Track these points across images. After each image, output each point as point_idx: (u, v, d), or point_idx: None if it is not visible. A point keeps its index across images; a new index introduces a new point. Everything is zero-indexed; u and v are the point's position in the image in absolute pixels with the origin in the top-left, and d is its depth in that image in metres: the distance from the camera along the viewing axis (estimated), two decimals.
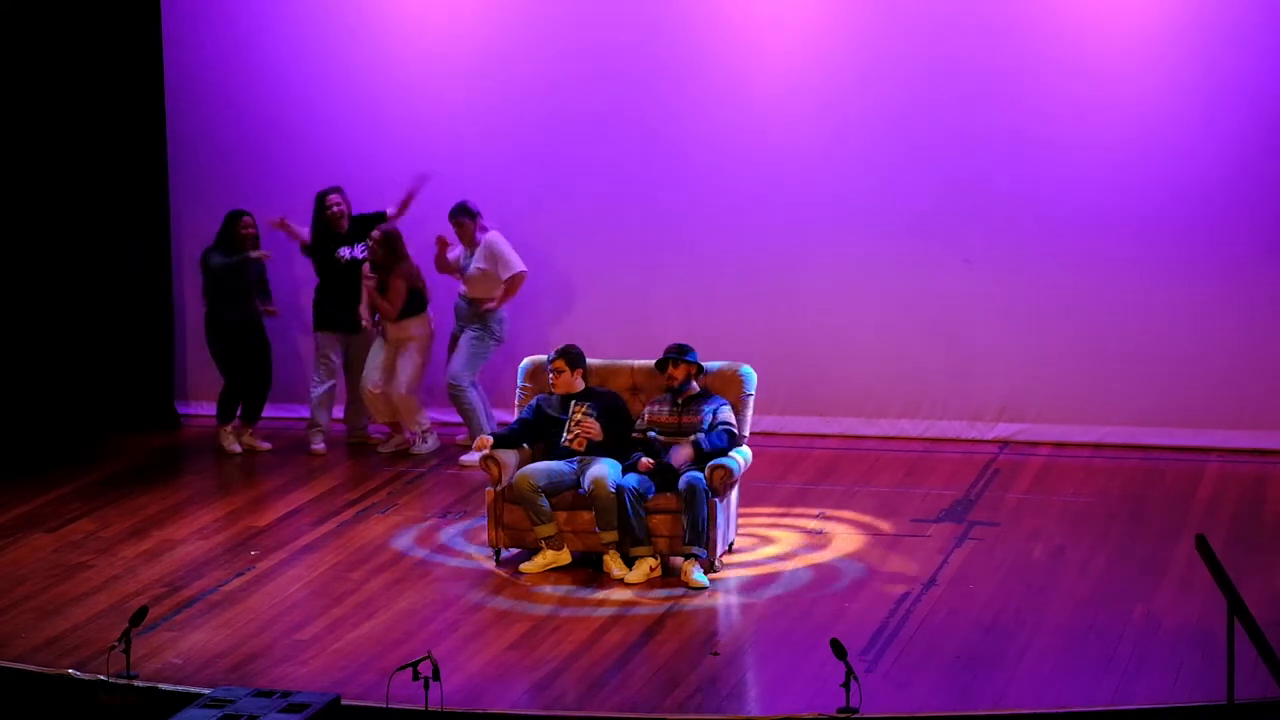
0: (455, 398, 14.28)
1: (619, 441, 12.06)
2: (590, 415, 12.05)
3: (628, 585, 11.61)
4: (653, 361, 12.30)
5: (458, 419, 14.61)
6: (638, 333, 14.52)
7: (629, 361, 12.53)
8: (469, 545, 12.42)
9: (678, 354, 12.01)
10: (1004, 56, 14.19)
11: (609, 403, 12.17)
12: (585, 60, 14.81)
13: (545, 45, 14.85)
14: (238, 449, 14.48)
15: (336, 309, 14.50)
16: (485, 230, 14.30)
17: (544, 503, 11.83)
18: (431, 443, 14.45)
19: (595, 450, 12.00)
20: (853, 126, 14.49)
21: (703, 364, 12.10)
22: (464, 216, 14.27)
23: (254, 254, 14.34)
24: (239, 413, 14.65)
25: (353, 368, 14.64)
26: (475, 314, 14.31)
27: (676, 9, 14.68)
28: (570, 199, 14.96)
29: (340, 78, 15.21)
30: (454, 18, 15.02)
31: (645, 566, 11.72)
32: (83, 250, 15.18)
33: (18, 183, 14.94)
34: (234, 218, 14.40)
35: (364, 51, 15.13)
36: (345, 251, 14.37)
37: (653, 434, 12.00)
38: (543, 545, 11.87)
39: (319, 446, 14.52)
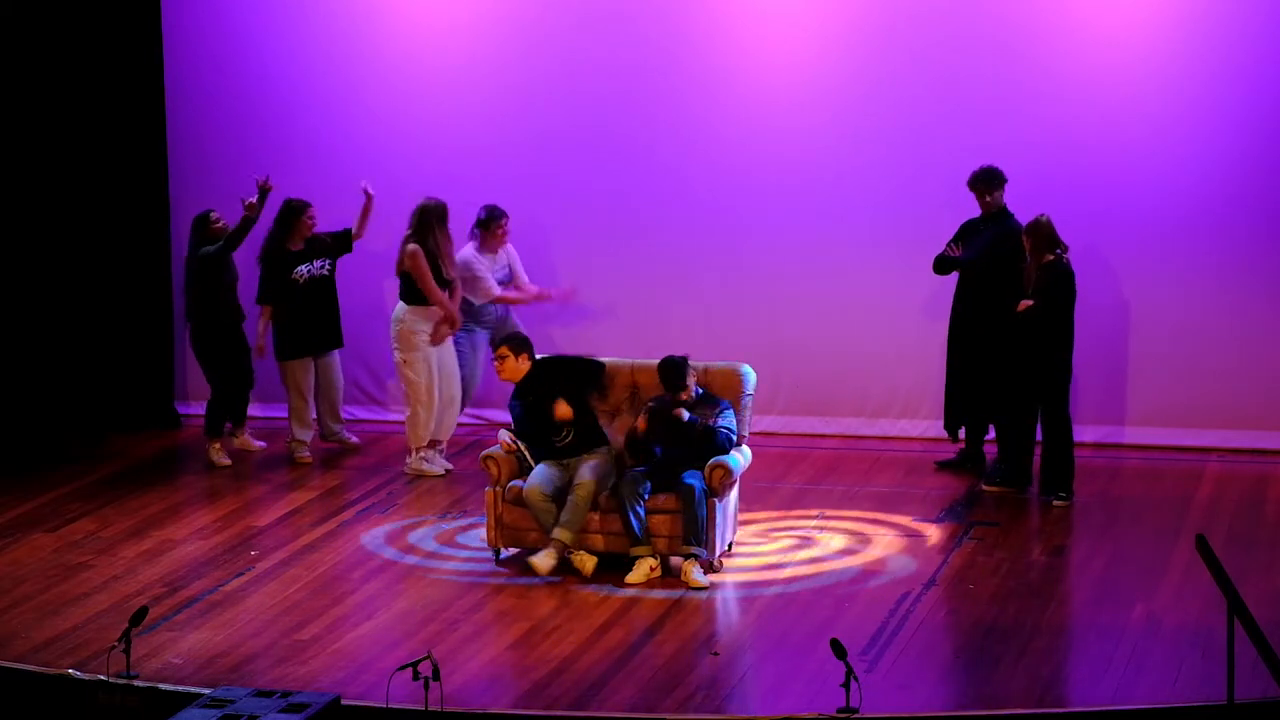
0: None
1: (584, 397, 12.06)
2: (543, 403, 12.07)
3: (628, 585, 11.61)
4: (653, 362, 12.32)
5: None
6: (639, 333, 14.52)
7: (629, 361, 12.53)
8: (469, 545, 12.42)
9: (678, 380, 11.94)
10: (1004, 65, 14.21)
11: (565, 370, 12.11)
12: (590, 66, 14.81)
13: (551, 52, 14.84)
14: (227, 462, 14.38)
15: (303, 332, 14.25)
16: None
17: (554, 507, 11.82)
18: None
19: (587, 441, 11.99)
20: (855, 131, 14.50)
21: (696, 371, 12.05)
22: (504, 218, 14.26)
23: (251, 202, 13.90)
24: (227, 425, 14.55)
25: (321, 376, 14.45)
26: (496, 317, 14.39)
27: (678, 20, 14.68)
28: (572, 201, 14.96)
29: (342, 79, 15.20)
30: (460, 21, 15.01)
31: (645, 566, 11.72)
32: (83, 250, 15.18)
33: (18, 183, 14.94)
34: (203, 218, 14.24)
35: (367, 53, 15.13)
36: (304, 269, 14.21)
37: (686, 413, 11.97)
38: (571, 552, 11.83)
39: (304, 456, 14.40)
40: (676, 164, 14.81)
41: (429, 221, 13.74)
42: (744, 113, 14.64)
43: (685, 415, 11.76)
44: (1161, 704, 9.64)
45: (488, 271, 14.26)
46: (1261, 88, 13.89)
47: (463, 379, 14.23)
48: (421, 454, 13.97)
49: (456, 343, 14.10)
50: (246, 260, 14.36)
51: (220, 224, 14.25)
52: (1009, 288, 13.00)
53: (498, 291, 14.26)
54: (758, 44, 14.60)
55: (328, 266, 14.27)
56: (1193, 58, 13.97)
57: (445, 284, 13.80)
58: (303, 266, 14.14)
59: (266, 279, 14.18)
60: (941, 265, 13.56)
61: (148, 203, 15.37)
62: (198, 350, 14.44)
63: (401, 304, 13.86)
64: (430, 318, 13.81)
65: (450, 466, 14.05)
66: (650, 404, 11.92)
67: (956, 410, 13.81)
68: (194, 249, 14.25)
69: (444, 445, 14.13)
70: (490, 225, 14.26)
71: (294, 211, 14.13)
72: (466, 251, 14.24)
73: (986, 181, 13.48)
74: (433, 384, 13.87)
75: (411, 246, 13.72)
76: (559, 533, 11.78)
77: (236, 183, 15.23)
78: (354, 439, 14.67)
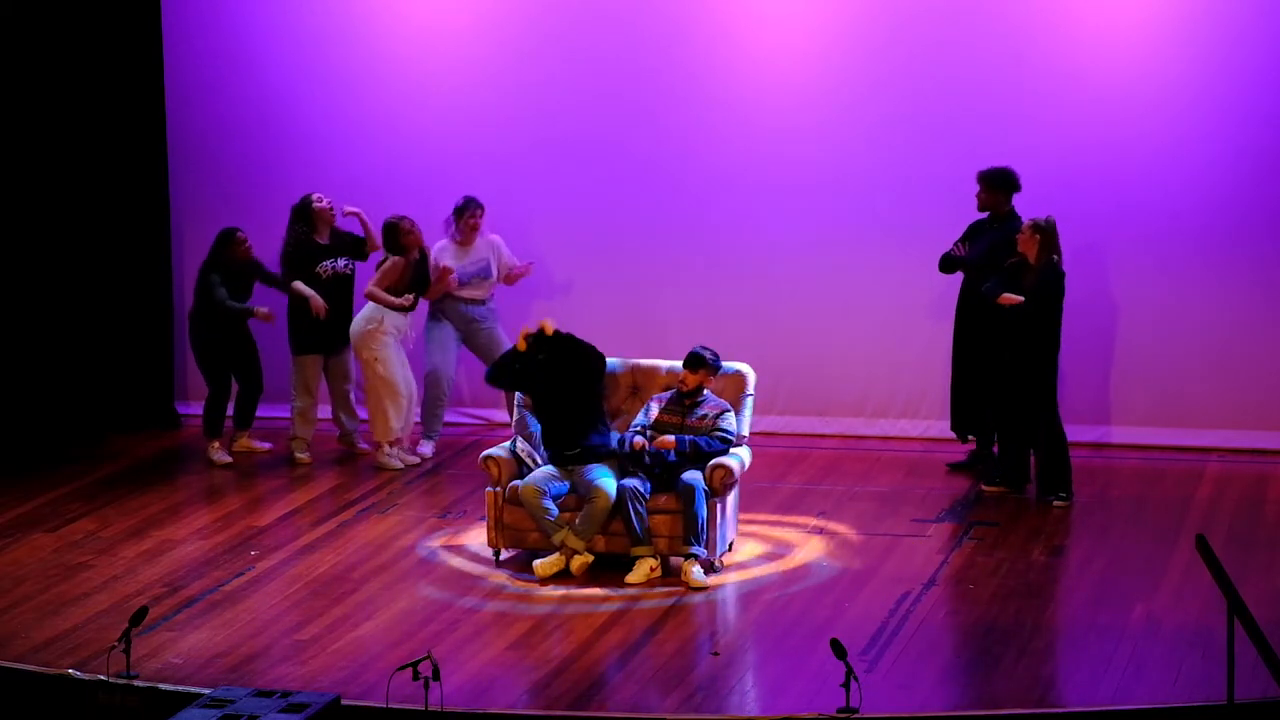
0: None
1: (582, 393, 12.02)
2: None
3: (628, 585, 11.61)
4: (653, 361, 12.37)
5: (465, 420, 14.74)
6: (639, 333, 14.52)
7: (630, 361, 12.53)
8: (469, 545, 12.43)
9: (696, 363, 11.97)
10: (1005, 65, 14.22)
11: (583, 352, 12.08)
12: (591, 65, 14.81)
13: (552, 51, 14.85)
14: (228, 459, 14.38)
15: (321, 329, 14.21)
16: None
17: (550, 505, 11.81)
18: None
19: (574, 446, 11.99)
20: (855, 131, 14.50)
21: (715, 376, 12.09)
22: (478, 209, 14.25)
23: (261, 312, 14.00)
24: (229, 422, 14.53)
25: (332, 370, 14.48)
26: (478, 313, 14.33)
27: (678, 20, 14.69)
28: (573, 200, 14.97)
29: (342, 80, 15.20)
30: (460, 20, 15.02)
31: (645, 566, 11.72)
32: (83, 251, 15.17)
33: (18, 184, 14.93)
34: (228, 236, 14.13)
35: (366, 53, 15.14)
36: (329, 265, 14.23)
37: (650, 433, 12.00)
38: (568, 554, 11.82)
39: (304, 456, 14.40)
40: (677, 164, 14.81)
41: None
42: (745, 112, 14.64)
43: (669, 453, 11.79)
44: (1161, 704, 9.64)
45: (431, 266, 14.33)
46: (1260, 87, 13.89)
47: (436, 372, 14.32)
48: (388, 450, 14.11)
49: (427, 334, 14.32)
50: (269, 257, 14.44)
51: (246, 245, 14.15)
52: (1012, 290, 12.97)
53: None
54: (759, 44, 14.60)
55: (350, 265, 14.29)
56: (1192, 58, 13.97)
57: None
58: (327, 262, 14.16)
59: (291, 270, 14.18)
60: (947, 264, 13.56)
61: (147, 203, 15.36)
62: (200, 353, 14.38)
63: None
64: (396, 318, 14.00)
65: (415, 460, 14.15)
66: (636, 439, 11.93)
67: (963, 412, 13.79)
68: (210, 266, 14.15)
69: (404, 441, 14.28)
70: (457, 215, 14.29)
71: (306, 207, 14.16)
72: (440, 242, 14.36)
73: (996, 182, 13.41)
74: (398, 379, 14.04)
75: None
76: (570, 539, 11.77)
77: (237, 183, 15.27)
78: (365, 445, 14.61)
